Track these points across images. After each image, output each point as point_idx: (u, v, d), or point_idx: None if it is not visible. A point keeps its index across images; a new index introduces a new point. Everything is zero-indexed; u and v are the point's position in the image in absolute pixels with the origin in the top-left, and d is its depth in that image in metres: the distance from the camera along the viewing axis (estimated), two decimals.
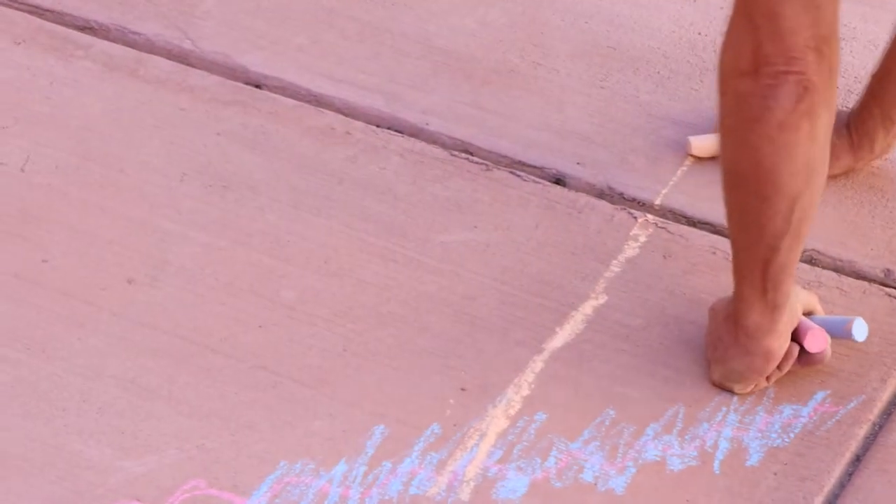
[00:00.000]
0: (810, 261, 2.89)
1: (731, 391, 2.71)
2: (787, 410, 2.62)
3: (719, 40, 2.64)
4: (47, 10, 3.38)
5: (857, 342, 2.71)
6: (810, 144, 2.51)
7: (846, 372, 2.72)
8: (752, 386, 2.72)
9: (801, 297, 2.72)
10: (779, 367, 2.70)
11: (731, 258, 2.71)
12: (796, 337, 2.67)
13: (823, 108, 2.50)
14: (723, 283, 2.79)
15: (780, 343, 2.69)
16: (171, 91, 3.21)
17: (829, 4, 2.45)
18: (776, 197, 2.56)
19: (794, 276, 2.68)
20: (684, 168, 3.08)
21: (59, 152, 3.07)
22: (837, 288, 2.87)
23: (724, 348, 2.70)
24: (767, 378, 2.73)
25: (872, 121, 3.08)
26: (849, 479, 2.58)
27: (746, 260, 2.69)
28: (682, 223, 2.97)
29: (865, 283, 2.89)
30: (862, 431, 2.62)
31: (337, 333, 2.75)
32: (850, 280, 2.89)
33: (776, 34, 2.44)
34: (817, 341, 2.64)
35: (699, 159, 3.09)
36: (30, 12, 3.39)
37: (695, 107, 3.23)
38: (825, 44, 2.45)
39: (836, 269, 2.90)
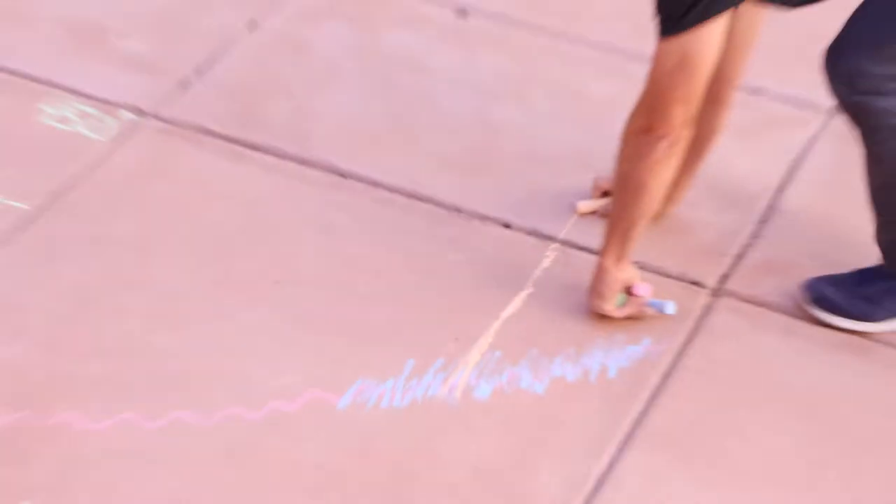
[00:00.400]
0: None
1: (598, 311, 2.96)
2: (630, 348, 2.93)
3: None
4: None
5: (667, 314, 2.99)
6: (669, 171, 2.82)
7: (658, 329, 2.98)
8: (609, 307, 2.97)
9: (634, 271, 2.98)
10: (628, 306, 2.99)
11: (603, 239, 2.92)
12: (632, 290, 2.97)
13: (679, 150, 2.81)
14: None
15: (619, 279, 2.96)
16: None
17: (698, 99, 2.71)
18: (646, 197, 2.84)
19: (634, 246, 2.96)
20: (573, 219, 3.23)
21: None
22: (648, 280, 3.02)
23: (592, 283, 2.96)
24: (626, 313, 3.01)
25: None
26: (662, 381, 2.88)
27: (618, 228, 2.91)
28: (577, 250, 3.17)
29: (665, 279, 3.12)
30: (669, 357, 2.92)
31: (384, 311, 3.02)
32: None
33: (665, 119, 2.71)
34: (644, 290, 2.95)
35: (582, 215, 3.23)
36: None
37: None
38: (691, 118, 2.75)
39: (650, 269, 3.12)
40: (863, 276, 2.99)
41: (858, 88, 2.75)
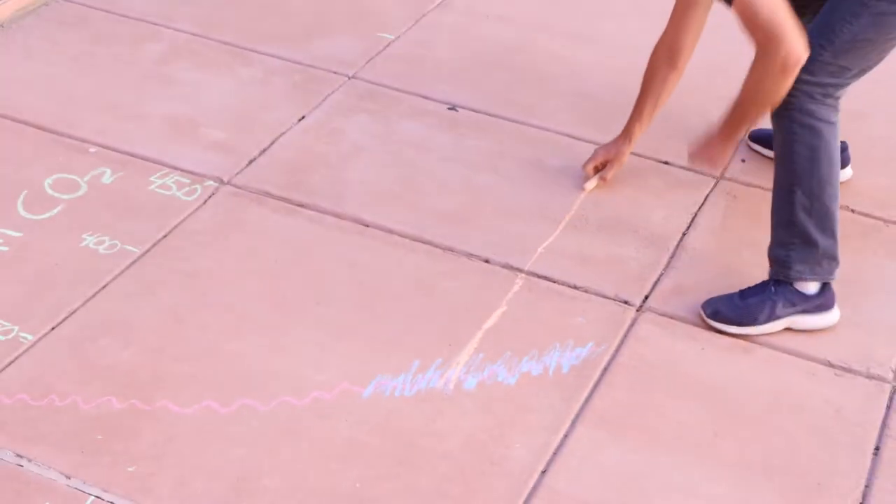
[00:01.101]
0: None
1: (706, 165, 2.96)
2: (578, 349, 2.88)
3: None
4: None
5: None
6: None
7: (599, 336, 2.93)
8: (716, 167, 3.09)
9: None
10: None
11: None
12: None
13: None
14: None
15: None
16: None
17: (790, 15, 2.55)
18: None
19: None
20: (536, 256, 3.18)
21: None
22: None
23: (704, 152, 2.88)
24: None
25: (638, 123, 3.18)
26: (602, 374, 2.83)
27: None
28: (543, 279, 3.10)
29: None
30: (607, 357, 2.88)
31: (397, 325, 2.96)
32: None
33: (790, 40, 2.53)
34: None
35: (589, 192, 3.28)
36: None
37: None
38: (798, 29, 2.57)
39: (592, 292, 3.07)
40: (744, 293, 2.88)
41: (791, 92, 2.65)
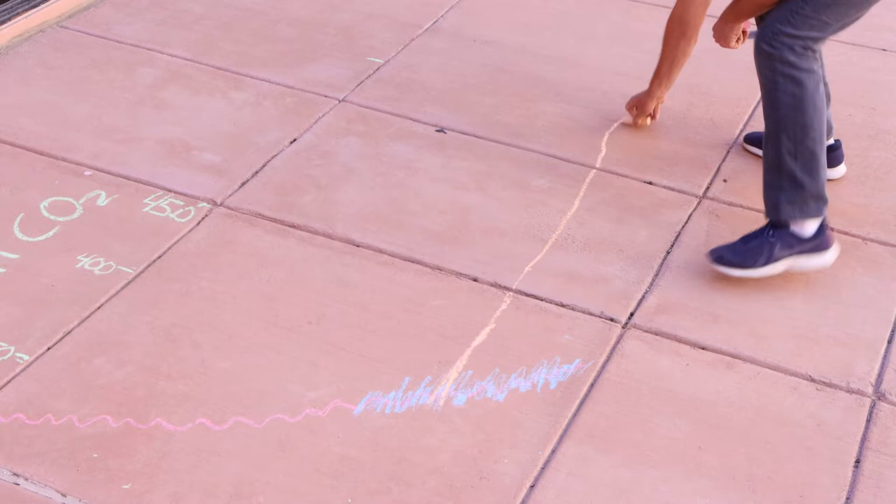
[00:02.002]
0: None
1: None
2: (565, 366, 2.87)
3: None
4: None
5: None
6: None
7: (585, 353, 2.92)
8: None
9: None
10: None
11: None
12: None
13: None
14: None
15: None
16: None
17: None
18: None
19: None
20: (524, 274, 3.17)
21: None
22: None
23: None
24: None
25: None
26: (589, 390, 2.82)
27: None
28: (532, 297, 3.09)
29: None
30: (594, 373, 2.86)
31: (387, 343, 2.93)
32: None
33: None
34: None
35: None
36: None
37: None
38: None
39: (579, 310, 3.07)
40: (745, 238, 3.01)
41: (774, 44, 2.80)
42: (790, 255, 2.95)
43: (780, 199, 2.92)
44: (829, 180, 3.15)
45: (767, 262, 2.95)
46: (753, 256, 2.95)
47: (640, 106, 3.55)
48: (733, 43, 3.19)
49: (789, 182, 2.90)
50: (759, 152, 3.37)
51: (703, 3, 3.17)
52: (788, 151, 2.87)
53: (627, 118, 3.65)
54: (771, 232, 2.95)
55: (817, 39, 2.82)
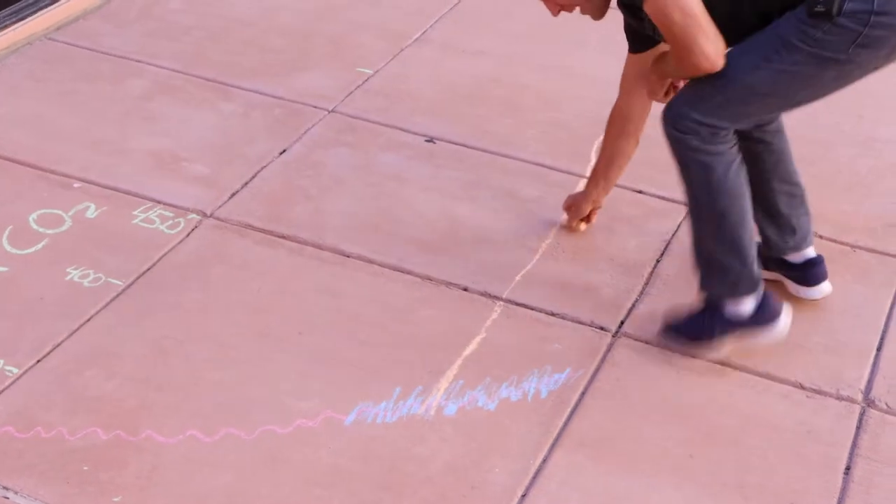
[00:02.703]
0: None
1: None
2: (556, 375, 2.88)
3: None
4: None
5: None
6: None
7: (576, 361, 2.93)
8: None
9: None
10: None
11: None
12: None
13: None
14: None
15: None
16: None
17: (713, 30, 2.45)
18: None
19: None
20: (513, 284, 3.18)
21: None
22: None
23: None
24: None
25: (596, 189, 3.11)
26: (580, 399, 2.83)
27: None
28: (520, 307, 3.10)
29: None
30: (584, 382, 2.88)
31: (378, 353, 2.96)
32: None
33: (703, 54, 2.46)
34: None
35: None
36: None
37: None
38: (720, 49, 2.50)
39: (569, 318, 3.07)
40: (685, 317, 2.88)
41: (679, 128, 2.57)
42: (733, 335, 2.79)
43: (708, 281, 2.75)
44: (807, 285, 3.02)
45: (710, 343, 2.82)
46: (695, 337, 2.83)
47: (574, 208, 3.23)
48: (661, 97, 2.89)
49: (714, 266, 2.73)
50: None
51: (647, 99, 2.89)
52: (709, 234, 2.69)
53: (565, 218, 3.33)
54: (710, 314, 2.78)
55: (728, 128, 2.58)
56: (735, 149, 2.62)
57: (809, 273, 2.99)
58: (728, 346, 2.82)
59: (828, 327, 3.02)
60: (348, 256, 3.27)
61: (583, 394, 2.83)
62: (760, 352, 2.95)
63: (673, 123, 2.58)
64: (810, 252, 3.01)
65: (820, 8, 2.35)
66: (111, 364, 2.86)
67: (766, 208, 2.90)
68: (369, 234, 3.34)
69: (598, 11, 2.68)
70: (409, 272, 3.21)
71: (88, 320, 3.00)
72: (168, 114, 3.90)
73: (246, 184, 3.57)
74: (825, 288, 3.04)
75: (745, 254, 2.69)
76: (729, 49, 2.52)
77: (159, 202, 3.46)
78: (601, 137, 3.64)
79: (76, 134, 3.76)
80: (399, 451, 2.66)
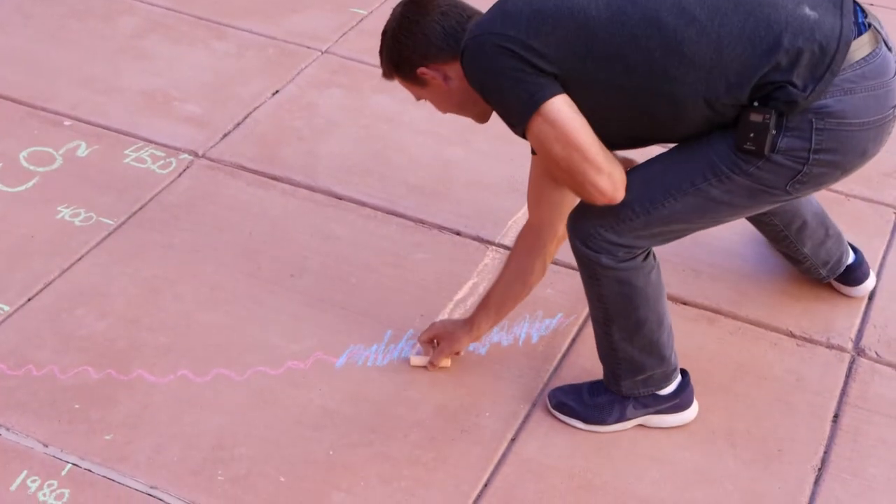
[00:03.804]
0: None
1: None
2: (547, 321, 2.88)
3: None
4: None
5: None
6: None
7: (568, 307, 2.92)
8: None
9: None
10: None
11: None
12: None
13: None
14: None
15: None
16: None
17: (604, 158, 2.17)
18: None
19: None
20: (506, 229, 3.16)
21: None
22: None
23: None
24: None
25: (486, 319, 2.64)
26: (571, 345, 2.83)
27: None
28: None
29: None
30: (575, 328, 2.88)
31: (369, 296, 2.95)
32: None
33: (595, 187, 2.19)
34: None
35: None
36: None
37: None
38: (618, 180, 2.19)
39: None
40: (594, 388, 2.57)
41: (591, 246, 2.30)
42: (644, 414, 2.55)
43: (620, 376, 2.48)
44: (849, 286, 2.89)
45: (618, 420, 2.53)
46: (601, 415, 2.53)
47: (448, 341, 2.66)
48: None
49: (627, 365, 2.46)
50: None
51: (560, 206, 2.45)
52: (623, 338, 2.42)
53: (416, 358, 2.75)
54: (618, 399, 2.54)
55: (645, 247, 2.32)
56: (653, 258, 2.37)
57: (851, 277, 2.89)
58: (632, 426, 2.60)
59: None
60: (341, 199, 3.27)
61: (574, 339, 2.85)
62: (752, 300, 2.99)
63: (584, 241, 2.30)
64: (849, 259, 2.90)
65: (749, 146, 2.10)
66: (102, 303, 2.88)
67: (787, 254, 2.83)
68: (362, 177, 3.34)
69: (481, 117, 2.41)
70: (401, 215, 3.21)
71: (79, 259, 3.01)
72: (160, 52, 3.90)
73: (238, 124, 3.57)
74: (868, 285, 2.94)
75: (662, 353, 2.47)
76: (647, 164, 2.28)
77: (151, 142, 3.47)
78: None
79: (67, 71, 3.77)
80: (389, 394, 2.66)
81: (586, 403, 2.56)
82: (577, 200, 2.32)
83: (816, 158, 2.14)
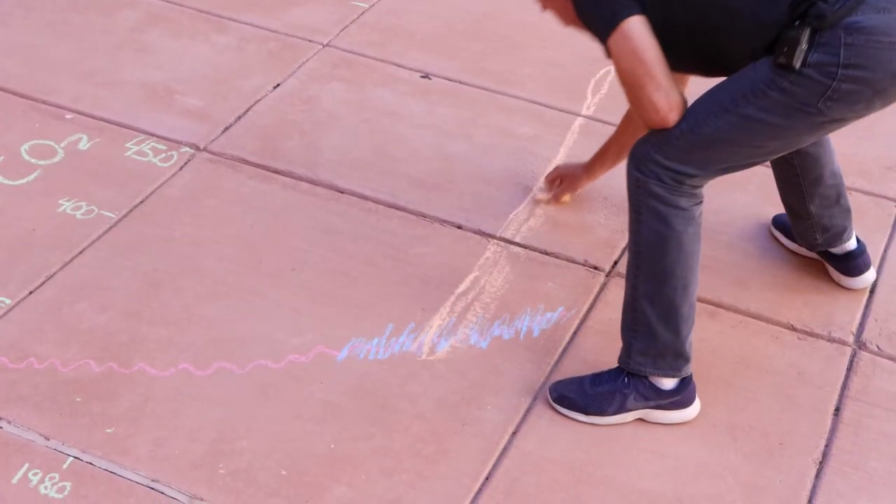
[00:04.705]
0: None
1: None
2: (548, 314, 2.89)
3: None
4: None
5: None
6: None
7: (569, 301, 2.93)
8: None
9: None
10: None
11: None
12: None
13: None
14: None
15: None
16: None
17: (668, 82, 2.32)
18: None
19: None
20: (507, 223, 3.18)
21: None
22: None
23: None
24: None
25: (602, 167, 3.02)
26: (572, 338, 2.84)
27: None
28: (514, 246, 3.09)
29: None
30: (577, 321, 2.88)
31: (371, 290, 2.96)
32: None
33: (654, 107, 2.33)
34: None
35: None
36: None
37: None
38: (678, 103, 2.36)
39: (562, 258, 3.04)
40: (596, 379, 2.60)
41: (642, 170, 2.40)
42: (644, 407, 2.56)
43: (634, 345, 2.52)
44: (848, 276, 2.91)
45: (618, 411, 2.55)
46: (601, 405, 2.55)
47: (571, 182, 3.13)
48: (565, 198, 2.99)
49: (644, 328, 2.49)
50: (787, 242, 3.09)
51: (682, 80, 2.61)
52: (645, 294, 2.46)
53: (542, 195, 3.20)
54: (625, 379, 2.54)
55: (691, 176, 2.38)
56: (698, 211, 2.44)
57: (850, 265, 2.90)
58: (632, 419, 2.62)
59: (821, 269, 3.01)
60: (342, 192, 3.26)
61: (575, 333, 2.84)
62: (753, 294, 3.00)
63: (636, 164, 2.41)
64: (850, 245, 2.90)
65: (781, 59, 2.21)
66: (104, 297, 2.87)
67: (792, 205, 2.82)
68: (363, 170, 3.33)
69: (566, 20, 2.53)
70: (403, 209, 3.20)
71: (81, 252, 3.01)
72: (161, 46, 3.89)
73: (239, 118, 3.55)
74: (868, 277, 2.95)
75: (681, 326, 2.49)
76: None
77: (152, 135, 3.45)
78: (597, 76, 3.62)
79: (68, 65, 3.76)
80: (391, 388, 2.67)
81: (587, 393, 2.58)
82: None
83: (845, 74, 2.19)
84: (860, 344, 2.84)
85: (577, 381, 2.62)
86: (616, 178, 3.24)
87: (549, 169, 3.35)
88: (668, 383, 2.57)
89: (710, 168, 2.39)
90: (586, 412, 2.59)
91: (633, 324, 2.52)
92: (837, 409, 2.67)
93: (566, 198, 3.17)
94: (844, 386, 2.72)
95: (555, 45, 3.96)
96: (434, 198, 3.24)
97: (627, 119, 2.88)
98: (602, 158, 3.05)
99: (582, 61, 3.86)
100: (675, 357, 2.53)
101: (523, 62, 3.88)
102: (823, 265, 3.01)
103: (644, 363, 2.53)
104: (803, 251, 2.98)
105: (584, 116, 3.58)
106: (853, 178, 3.31)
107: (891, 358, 2.81)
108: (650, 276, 2.45)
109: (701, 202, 2.44)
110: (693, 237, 2.43)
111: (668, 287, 2.44)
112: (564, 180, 3.14)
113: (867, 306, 2.93)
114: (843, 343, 2.84)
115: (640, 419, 2.62)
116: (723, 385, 2.71)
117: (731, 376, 2.74)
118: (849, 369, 2.76)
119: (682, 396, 2.58)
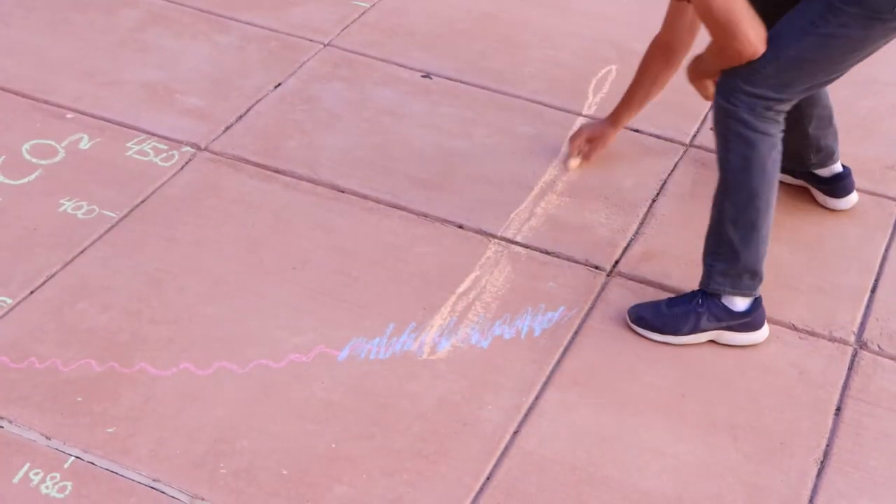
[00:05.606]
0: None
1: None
2: (550, 314, 2.89)
3: None
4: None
5: None
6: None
7: (570, 299, 2.94)
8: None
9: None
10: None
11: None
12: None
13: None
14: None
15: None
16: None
17: (755, 17, 2.47)
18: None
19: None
20: (508, 222, 3.17)
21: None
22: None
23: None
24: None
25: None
26: (573, 338, 2.85)
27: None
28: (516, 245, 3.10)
29: None
30: (578, 320, 2.88)
31: (371, 289, 2.95)
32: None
33: (746, 39, 2.48)
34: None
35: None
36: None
37: None
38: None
39: (563, 257, 3.06)
40: (672, 302, 2.80)
41: (732, 101, 2.59)
42: (717, 328, 2.75)
43: (715, 267, 2.71)
44: (835, 197, 3.11)
45: (692, 331, 2.75)
46: (676, 324, 2.74)
47: (601, 140, 3.25)
48: (711, 90, 2.84)
49: (727, 250, 2.69)
50: (789, 178, 3.20)
51: (693, 27, 2.92)
52: (730, 218, 2.66)
53: (572, 161, 3.32)
54: (700, 300, 2.73)
55: (779, 101, 2.58)
56: (780, 138, 2.63)
57: (837, 186, 3.10)
58: (707, 338, 2.79)
59: (822, 269, 3.03)
60: (343, 192, 3.26)
61: (576, 332, 2.85)
62: None
63: (725, 96, 2.59)
64: (837, 167, 3.10)
65: None
66: (105, 296, 2.87)
67: (791, 126, 2.81)
68: (364, 170, 3.33)
69: None
70: (404, 208, 3.20)
71: (82, 252, 3.00)
72: (162, 45, 3.89)
73: (240, 117, 3.55)
74: (852, 199, 3.16)
75: (759, 247, 2.69)
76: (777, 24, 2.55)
77: (153, 134, 3.44)
78: (599, 76, 3.60)
79: (68, 64, 3.75)
80: (391, 388, 2.67)
81: (663, 314, 2.75)
82: (701, 25, 2.68)
83: None
84: (861, 343, 2.84)
85: (654, 304, 2.78)
86: (616, 178, 3.33)
87: (549, 170, 3.38)
88: (741, 304, 2.71)
89: (795, 89, 2.56)
90: (662, 331, 2.75)
91: (717, 247, 2.70)
92: (838, 409, 2.67)
93: (596, 156, 3.24)
94: (845, 385, 2.72)
95: (556, 44, 3.97)
96: (435, 197, 3.24)
97: (649, 60, 3.03)
98: (628, 105, 3.15)
99: (583, 61, 3.86)
100: (752, 276, 2.70)
101: (524, 61, 3.88)
102: (823, 263, 3.04)
103: (723, 283, 2.69)
104: (788, 179, 3.10)
105: (586, 116, 3.57)
106: (855, 177, 3.27)
107: (892, 357, 2.81)
108: (736, 200, 2.64)
109: (784, 130, 2.62)
110: (774, 163, 2.61)
111: (751, 208, 2.63)
112: (591, 140, 3.22)
113: (868, 306, 2.93)
114: (844, 343, 2.84)
115: (712, 340, 2.77)
116: (724, 385, 2.72)
117: (732, 376, 2.75)
118: (850, 369, 2.76)
119: (752, 318, 2.73)
